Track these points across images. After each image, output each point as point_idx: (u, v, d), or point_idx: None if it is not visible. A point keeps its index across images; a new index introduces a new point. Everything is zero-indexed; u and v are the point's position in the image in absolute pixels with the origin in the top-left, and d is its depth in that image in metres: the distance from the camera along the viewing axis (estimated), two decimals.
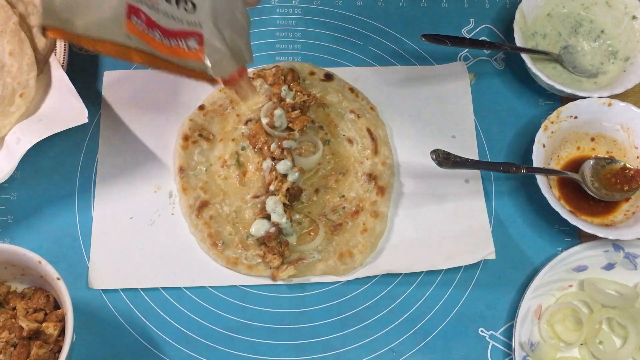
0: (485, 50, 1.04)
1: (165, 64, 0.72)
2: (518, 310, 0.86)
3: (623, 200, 0.93)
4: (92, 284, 0.87)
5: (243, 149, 0.94)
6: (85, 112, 0.86)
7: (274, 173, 0.90)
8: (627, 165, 0.93)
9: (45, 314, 0.81)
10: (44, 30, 0.67)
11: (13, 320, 0.78)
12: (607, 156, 0.96)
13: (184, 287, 0.88)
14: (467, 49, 1.04)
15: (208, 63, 0.71)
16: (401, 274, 0.90)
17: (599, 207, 0.93)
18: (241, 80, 0.75)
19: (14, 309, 0.81)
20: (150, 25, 0.69)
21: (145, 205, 0.91)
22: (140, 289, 0.87)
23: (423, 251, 0.90)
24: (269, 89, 0.97)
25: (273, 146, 0.91)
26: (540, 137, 0.91)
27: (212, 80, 0.73)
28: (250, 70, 0.99)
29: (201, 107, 0.96)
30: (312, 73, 0.99)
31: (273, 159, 0.91)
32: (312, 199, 0.93)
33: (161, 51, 0.71)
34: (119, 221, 0.90)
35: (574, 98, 0.95)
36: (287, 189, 0.89)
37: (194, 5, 0.70)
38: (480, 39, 1.05)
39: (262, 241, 0.88)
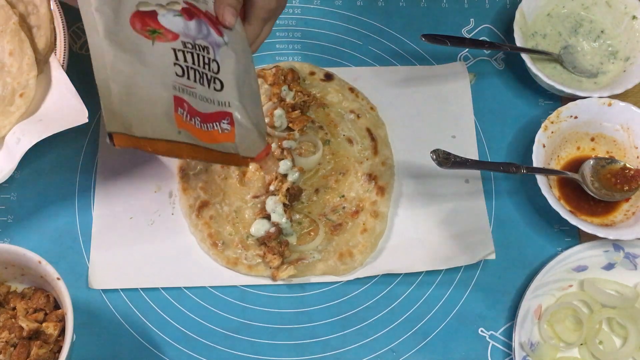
0: (485, 50, 1.04)
1: (207, 154, 0.69)
2: (518, 310, 0.86)
3: (623, 200, 0.93)
4: (92, 284, 0.87)
5: None
6: (85, 112, 0.86)
7: (274, 173, 0.90)
8: (627, 165, 0.93)
9: (45, 314, 0.80)
10: (110, 138, 0.63)
11: (13, 320, 0.78)
12: (607, 156, 0.96)
13: (184, 287, 0.88)
14: (467, 49, 1.04)
15: (238, 144, 0.70)
16: (401, 274, 0.90)
17: (599, 207, 0.93)
18: (267, 157, 0.76)
19: (14, 309, 0.81)
20: (191, 114, 0.67)
21: (145, 205, 0.91)
22: (140, 289, 0.87)
23: (423, 251, 0.90)
24: (269, 89, 0.97)
25: (273, 146, 0.91)
26: (540, 137, 0.91)
27: (242, 162, 0.72)
28: None
29: None
30: (312, 73, 1.00)
31: None
32: (312, 199, 0.93)
33: (202, 139, 0.68)
34: (119, 221, 0.90)
35: (574, 98, 0.95)
36: (287, 189, 0.88)
37: (221, 83, 0.70)
38: (480, 39, 1.05)
39: (262, 241, 0.88)
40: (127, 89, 0.63)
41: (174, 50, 0.67)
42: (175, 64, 0.66)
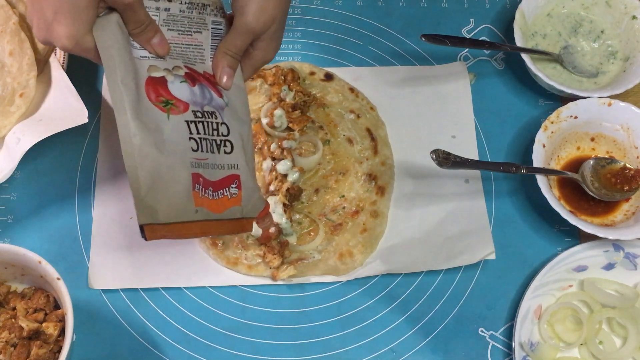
0: (485, 50, 1.04)
1: (217, 227, 0.69)
2: (518, 310, 0.86)
3: (623, 200, 0.93)
4: (92, 284, 0.87)
5: None
6: (85, 112, 0.86)
7: (274, 173, 0.90)
8: (627, 165, 0.93)
9: (45, 314, 0.80)
10: (142, 230, 0.64)
11: (13, 320, 0.78)
12: (607, 156, 0.96)
13: (184, 287, 0.88)
14: (467, 49, 1.04)
15: (244, 206, 0.70)
16: (401, 274, 0.90)
17: (599, 207, 0.93)
18: (266, 215, 0.77)
19: (14, 309, 0.81)
20: (205, 187, 0.67)
21: None
22: (140, 289, 0.87)
23: (423, 251, 0.90)
24: (269, 89, 0.97)
25: (273, 146, 0.91)
26: (540, 137, 0.91)
27: (246, 225, 0.71)
28: None
29: None
30: (312, 73, 1.00)
31: (273, 159, 0.91)
32: (312, 199, 0.93)
33: (214, 211, 0.68)
34: (119, 221, 0.90)
35: (574, 98, 0.95)
36: (287, 189, 0.89)
37: (232, 145, 0.69)
38: (480, 39, 1.05)
39: (262, 241, 0.88)
40: (152, 175, 0.63)
41: (187, 122, 0.66)
42: (190, 138, 0.65)
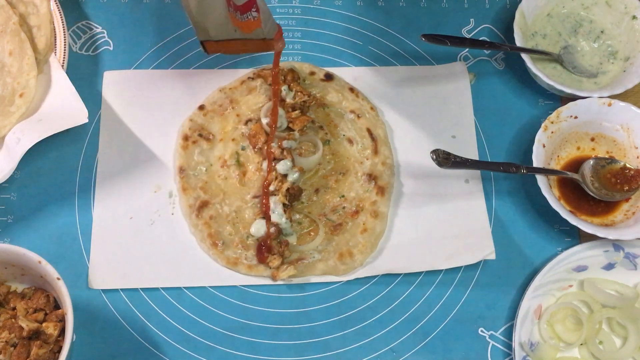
0: (485, 50, 1.04)
1: (251, 44, 0.85)
2: (518, 310, 0.86)
3: (623, 200, 0.93)
4: (92, 284, 0.87)
5: (243, 149, 0.94)
6: (85, 112, 0.86)
7: (274, 173, 0.90)
8: (627, 165, 0.93)
9: (45, 314, 0.80)
10: (202, 46, 0.84)
11: (13, 320, 0.78)
12: (607, 156, 0.96)
13: (184, 287, 0.88)
14: (467, 49, 1.04)
15: (264, 27, 0.82)
16: (401, 274, 0.90)
17: (599, 207, 0.93)
18: (280, 37, 0.86)
19: (14, 309, 0.81)
20: (235, 9, 0.79)
21: (145, 205, 0.91)
22: (140, 289, 0.87)
23: (423, 251, 0.90)
24: (269, 88, 0.97)
25: (273, 146, 0.91)
26: (540, 137, 0.91)
27: (269, 44, 0.85)
28: (250, 70, 0.99)
29: (201, 107, 0.96)
30: (312, 73, 0.99)
31: (273, 159, 0.91)
32: (312, 199, 0.93)
33: (245, 30, 0.82)
34: (119, 221, 0.90)
35: (574, 98, 0.95)
36: (287, 189, 0.89)
37: None
38: (480, 39, 1.05)
39: (262, 242, 0.88)
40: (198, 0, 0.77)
41: None
42: None
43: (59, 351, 0.77)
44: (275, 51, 0.87)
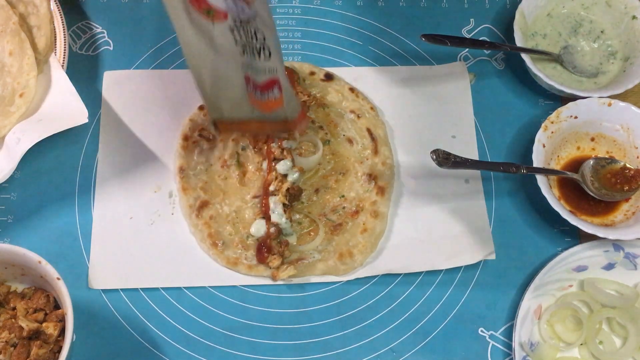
0: (485, 50, 1.04)
1: (270, 125, 0.80)
2: (518, 310, 0.86)
3: (623, 200, 0.93)
4: (92, 284, 0.87)
5: (243, 149, 0.94)
6: (85, 112, 0.86)
7: (274, 173, 0.90)
8: (627, 165, 0.93)
9: (45, 314, 0.80)
10: (215, 125, 0.80)
11: (13, 320, 0.78)
12: (607, 156, 0.96)
13: (184, 287, 0.88)
14: (467, 49, 1.04)
15: (286, 107, 0.77)
16: (401, 274, 0.90)
17: (599, 207, 0.93)
18: (305, 115, 0.83)
19: (14, 309, 0.81)
20: (255, 88, 0.74)
21: (145, 205, 0.91)
22: (140, 289, 0.87)
23: (423, 251, 0.90)
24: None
25: (273, 146, 0.91)
26: (540, 137, 0.91)
27: (290, 125, 0.81)
28: None
29: (201, 107, 0.96)
30: (312, 73, 1.00)
31: (273, 159, 0.91)
32: (312, 199, 0.93)
33: (264, 110, 0.77)
34: (119, 221, 0.90)
35: (574, 98, 0.95)
36: (287, 189, 0.89)
37: (269, 51, 0.74)
38: (480, 39, 1.05)
39: (262, 242, 0.88)
40: (213, 73, 0.71)
41: (230, 29, 0.71)
42: (236, 42, 0.72)
43: (59, 351, 0.77)
44: (298, 132, 0.86)
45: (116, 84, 0.98)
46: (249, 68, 0.74)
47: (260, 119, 0.78)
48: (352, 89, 0.99)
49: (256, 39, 0.73)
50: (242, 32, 0.72)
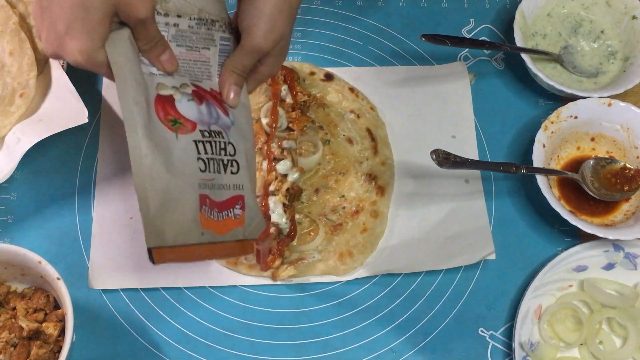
0: (485, 50, 1.04)
1: (221, 249, 0.67)
2: (518, 310, 0.86)
3: (623, 200, 0.93)
4: (92, 284, 0.87)
5: None
6: (85, 112, 0.86)
7: (274, 173, 0.90)
8: (627, 165, 0.93)
9: (45, 314, 0.81)
10: (150, 254, 0.62)
11: (13, 320, 0.78)
12: (607, 156, 0.96)
13: (184, 287, 0.88)
14: (467, 49, 1.04)
15: (246, 227, 0.69)
16: (401, 274, 0.90)
17: (599, 207, 0.93)
18: (266, 237, 0.76)
19: (14, 309, 0.81)
20: (211, 207, 0.66)
21: None
22: (140, 289, 0.87)
23: (423, 251, 0.90)
24: (268, 88, 0.97)
25: (273, 146, 0.91)
26: (540, 137, 0.91)
27: (248, 247, 0.70)
28: None
29: None
30: (312, 73, 1.00)
31: (273, 159, 0.91)
32: (312, 199, 0.93)
33: (219, 232, 0.66)
34: (119, 221, 0.90)
35: (574, 98, 0.95)
36: (287, 189, 0.88)
37: (238, 165, 0.68)
38: (480, 39, 1.05)
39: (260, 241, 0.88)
40: (161, 196, 0.61)
41: (195, 142, 0.64)
42: (198, 158, 0.64)
43: (59, 351, 0.77)
44: (260, 249, 0.78)
45: None
46: (206, 187, 0.65)
47: (210, 243, 0.66)
48: (352, 89, 0.99)
49: (225, 152, 0.67)
50: (208, 146, 0.65)
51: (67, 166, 0.93)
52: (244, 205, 0.68)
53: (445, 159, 0.87)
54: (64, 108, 0.88)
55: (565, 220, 0.87)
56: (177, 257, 0.64)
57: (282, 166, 0.89)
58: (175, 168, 0.62)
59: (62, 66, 0.92)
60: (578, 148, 0.97)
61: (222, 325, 0.86)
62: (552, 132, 0.93)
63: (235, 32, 0.71)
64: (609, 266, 0.90)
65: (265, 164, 0.91)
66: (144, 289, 0.87)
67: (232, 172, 0.67)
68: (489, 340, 0.87)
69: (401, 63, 1.03)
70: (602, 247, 0.89)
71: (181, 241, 0.63)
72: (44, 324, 0.78)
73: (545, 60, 1.02)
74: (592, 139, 0.96)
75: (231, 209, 0.67)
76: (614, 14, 1.03)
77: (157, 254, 0.62)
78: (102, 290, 0.87)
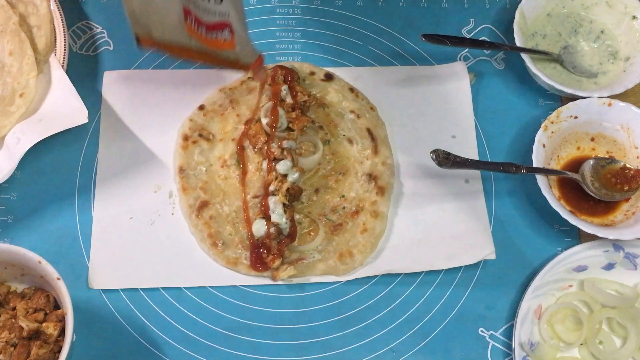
0: (485, 50, 1.04)
1: (214, 59, 0.83)
2: (518, 310, 0.86)
3: (623, 200, 0.93)
4: (92, 284, 0.87)
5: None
6: (85, 112, 0.86)
7: (274, 173, 0.90)
8: (627, 165, 0.93)
9: (45, 314, 0.81)
10: (137, 39, 0.79)
11: (13, 320, 0.78)
12: (607, 156, 0.96)
13: (184, 287, 0.88)
14: (467, 49, 1.04)
15: (239, 51, 0.80)
16: (401, 274, 0.90)
17: (599, 207, 0.93)
18: (261, 65, 0.85)
19: (14, 309, 0.81)
20: (198, 24, 0.77)
21: (145, 205, 0.91)
22: (140, 289, 0.87)
23: (423, 251, 0.90)
24: (268, 89, 0.97)
25: (273, 146, 0.91)
26: (540, 137, 0.91)
27: (242, 67, 0.85)
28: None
29: (201, 107, 0.96)
30: (312, 73, 1.00)
31: (273, 159, 0.91)
32: (312, 199, 0.93)
33: (208, 45, 0.80)
34: (119, 221, 0.90)
35: (574, 98, 0.95)
36: (287, 189, 0.89)
37: None
38: (480, 39, 1.05)
39: (262, 241, 0.88)
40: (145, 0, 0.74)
41: None
42: None
43: (59, 351, 0.77)
44: (256, 80, 0.88)
45: (116, 84, 0.98)
46: (190, 3, 0.76)
47: (201, 51, 0.81)
48: (352, 89, 0.99)
49: None
50: None
51: (67, 166, 0.93)
52: (233, 32, 0.78)
53: (445, 159, 0.87)
54: (64, 108, 0.88)
55: (565, 220, 0.87)
56: (166, 48, 0.81)
57: (282, 166, 0.90)
58: None
59: (62, 66, 0.92)
60: (578, 148, 0.97)
61: (222, 325, 0.86)
62: (552, 132, 0.93)
63: None
64: (609, 266, 0.90)
65: (265, 164, 0.91)
66: (144, 289, 0.87)
67: (215, 1, 0.76)
68: (489, 340, 0.87)
69: (401, 63, 1.03)
70: (602, 247, 0.89)
71: (168, 38, 0.79)
72: (44, 324, 0.78)
73: (545, 60, 1.02)
74: (592, 139, 0.96)
75: (219, 32, 0.78)
76: (614, 14, 1.03)
77: (144, 41, 0.79)
78: (102, 290, 0.87)
